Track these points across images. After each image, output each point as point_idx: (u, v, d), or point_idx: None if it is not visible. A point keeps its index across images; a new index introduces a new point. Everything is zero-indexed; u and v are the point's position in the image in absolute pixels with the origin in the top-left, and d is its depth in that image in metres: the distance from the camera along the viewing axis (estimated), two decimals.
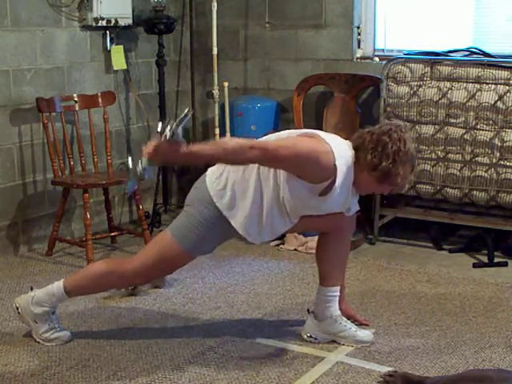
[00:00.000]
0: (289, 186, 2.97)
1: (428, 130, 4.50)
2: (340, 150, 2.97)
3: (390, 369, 2.98)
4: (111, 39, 4.87)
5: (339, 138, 3.12)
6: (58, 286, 3.23)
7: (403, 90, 4.53)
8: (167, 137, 2.75)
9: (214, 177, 3.10)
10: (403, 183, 3.08)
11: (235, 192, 3.04)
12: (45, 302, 3.22)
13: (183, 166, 5.54)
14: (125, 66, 4.97)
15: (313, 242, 4.07)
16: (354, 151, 3.02)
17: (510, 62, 4.34)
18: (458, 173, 4.43)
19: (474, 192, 4.42)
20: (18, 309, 3.26)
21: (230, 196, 3.04)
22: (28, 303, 3.23)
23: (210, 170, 3.17)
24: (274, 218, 3.06)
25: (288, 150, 2.87)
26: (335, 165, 2.92)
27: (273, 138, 3.06)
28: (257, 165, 3.00)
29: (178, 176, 5.52)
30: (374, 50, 5.06)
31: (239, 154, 2.84)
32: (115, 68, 4.92)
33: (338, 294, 3.27)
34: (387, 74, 4.57)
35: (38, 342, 3.24)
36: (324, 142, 2.94)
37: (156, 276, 3.54)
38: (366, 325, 3.43)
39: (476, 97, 4.35)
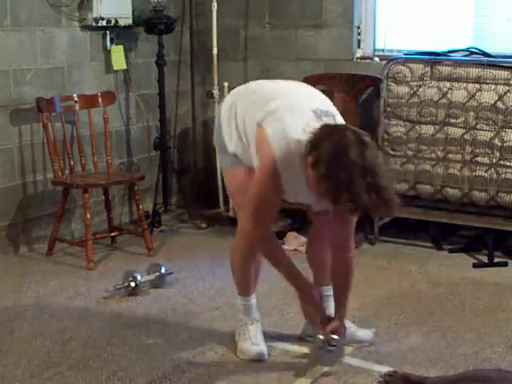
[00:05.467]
0: None
1: (428, 129, 4.50)
2: (287, 130, 2.70)
3: (390, 369, 2.98)
4: (111, 39, 4.87)
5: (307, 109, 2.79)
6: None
7: (403, 89, 4.53)
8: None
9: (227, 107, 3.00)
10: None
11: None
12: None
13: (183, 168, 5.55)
14: (125, 66, 4.97)
15: None
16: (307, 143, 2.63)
17: (510, 62, 4.34)
18: (457, 173, 4.43)
19: (474, 192, 4.42)
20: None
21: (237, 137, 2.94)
22: None
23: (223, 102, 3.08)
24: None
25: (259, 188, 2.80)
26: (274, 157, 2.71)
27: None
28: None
29: (178, 176, 5.52)
30: (374, 50, 5.06)
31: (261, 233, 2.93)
32: (115, 68, 4.92)
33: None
34: (387, 73, 4.57)
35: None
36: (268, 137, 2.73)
37: (266, 213, 2.94)
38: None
39: (476, 97, 4.35)
